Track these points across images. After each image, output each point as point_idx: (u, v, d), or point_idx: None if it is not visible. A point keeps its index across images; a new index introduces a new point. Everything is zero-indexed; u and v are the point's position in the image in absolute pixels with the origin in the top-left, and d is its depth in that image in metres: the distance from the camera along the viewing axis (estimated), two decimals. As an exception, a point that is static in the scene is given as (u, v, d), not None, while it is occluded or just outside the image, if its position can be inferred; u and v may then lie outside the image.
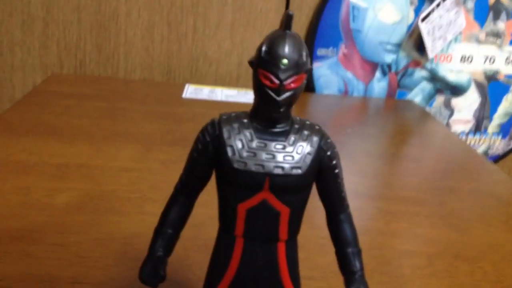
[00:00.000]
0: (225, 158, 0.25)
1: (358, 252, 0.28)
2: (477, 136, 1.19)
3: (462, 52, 1.11)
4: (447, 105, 1.15)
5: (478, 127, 1.18)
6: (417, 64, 1.11)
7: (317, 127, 0.26)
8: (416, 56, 1.10)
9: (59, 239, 0.49)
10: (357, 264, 0.27)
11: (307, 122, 0.27)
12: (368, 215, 0.60)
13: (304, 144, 0.26)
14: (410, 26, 1.07)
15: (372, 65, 1.10)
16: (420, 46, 1.09)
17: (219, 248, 0.27)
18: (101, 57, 1.07)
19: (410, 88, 1.13)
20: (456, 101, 1.15)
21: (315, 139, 0.26)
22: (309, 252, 0.51)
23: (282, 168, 0.25)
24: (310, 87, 1.09)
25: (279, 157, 0.25)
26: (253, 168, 0.25)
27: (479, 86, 1.15)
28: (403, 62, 1.10)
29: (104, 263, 0.46)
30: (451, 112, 1.16)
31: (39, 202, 0.55)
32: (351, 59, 1.09)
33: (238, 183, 0.25)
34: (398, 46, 1.09)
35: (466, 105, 1.16)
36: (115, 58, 1.08)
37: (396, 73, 1.11)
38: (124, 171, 0.64)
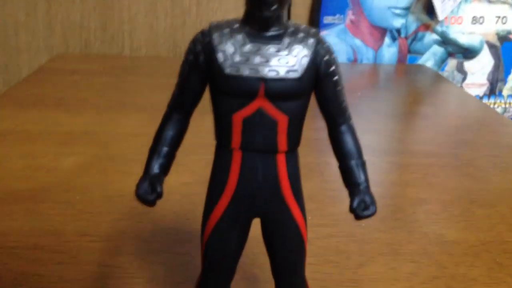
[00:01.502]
0: (217, 64, 0.24)
1: (362, 164, 0.26)
2: (492, 100, 1.16)
3: (473, 13, 1.08)
4: (460, 68, 1.13)
5: (493, 90, 1.15)
6: (427, 27, 1.08)
7: (313, 30, 0.25)
8: (425, 19, 1.07)
9: (65, 197, 0.48)
10: (362, 176, 0.26)
11: (302, 26, 0.25)
12: (380, 168, 0.59)
13: (299, 46, 0.24)
14: (418, -12, 1.05)
15: (381, 31, 1.07)
16: (429, 8, 1.06)
17: (217, 164, 0.26)
18: (106, 36, 1.07)
19: (421, 53, 1.10)
20: (469, 64, 1.12)
21: (311, 41, 0.25)
22: (320, 203, 0.50)
23: (277, 72, 0.24)
24: (318, 56, 1.07)
25: (274, 60, 0.24)
26: (247, 72, 0.24)
27: (492, 47, 1.12)
28: (412, 26, 1.08)
29: (111, 217, 0.46)
30: (465, 75, 1.13)
31: (46, 165, 0.55)
32: (359, 26, 1.06)
33: (232, 90, 0.24)
34: (407, 9, 1.06)
35: (479, 68, 1.13)
36: (120, 36, 1.07)
37: (406, 38, 1.09)
38: (132, 136, 0.64)
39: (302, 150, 0.27)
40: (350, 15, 1.05)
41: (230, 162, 0.25)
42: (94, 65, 0.95)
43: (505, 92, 1.16)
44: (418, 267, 0.41)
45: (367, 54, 1.09)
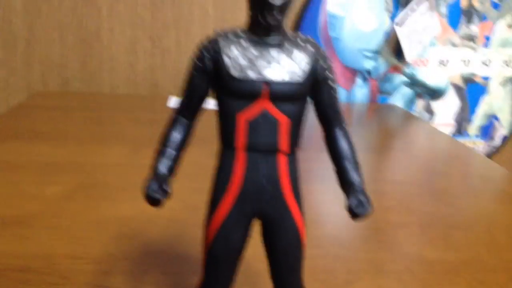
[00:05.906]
0: (223, 66, 0.26)
1: (357, 166, 0.28)
2: (459, 139, 1.21)
3: (439, 56, 1.15)
4: (428, 109, 1.18)
5: (459, 129, 1.21)
6: (396, 69, 1.14)
7: (311, 39, 0.27)
8: (394, 61, 1.13)
9: (53, 223, 0.48)
10: (356, 176, 0.28)
11: (301, 34, 0.27)
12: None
13: (300, 53, 0.26)
14: (387, 33, 1.10)
15: (353, 72, 1.12)
16: (398, 52, 1.12)
17: (221, 164, 0.27)
18: (85, 74, 1.08)
19: (391, 93, 1.15)
20: (436, 105, 1.18)
21: (310, 48, 0.27)
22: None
23: (281, 75, 0.26)
24: (293, 95, 1.11)
25: (276, 65, 0.26)
26: (250, 74, 0.25)
27: (458, 89, 1.18)
28: (382, 68, 1.13)
29: (101, 241, 0.46)
30: (432, 116, 1.18)
31: (30, 193, 0.54)
32: (332, 67, 1.11)
33: (236, 91, 0.26)
34: (377, 52, 1.11)
35: (446, 109, 1.18)
36: (99, 74, 1.08)
37: (376, 79, 1.14)
38: (115, 166, 0.64)
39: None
40: (323, 57, 1.09)
41: (234, 162, 0.26)
42: (74, 101, 0.96)
43: (471, 132, 1.21)
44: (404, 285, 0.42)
45: (340, 94, 1.13)
